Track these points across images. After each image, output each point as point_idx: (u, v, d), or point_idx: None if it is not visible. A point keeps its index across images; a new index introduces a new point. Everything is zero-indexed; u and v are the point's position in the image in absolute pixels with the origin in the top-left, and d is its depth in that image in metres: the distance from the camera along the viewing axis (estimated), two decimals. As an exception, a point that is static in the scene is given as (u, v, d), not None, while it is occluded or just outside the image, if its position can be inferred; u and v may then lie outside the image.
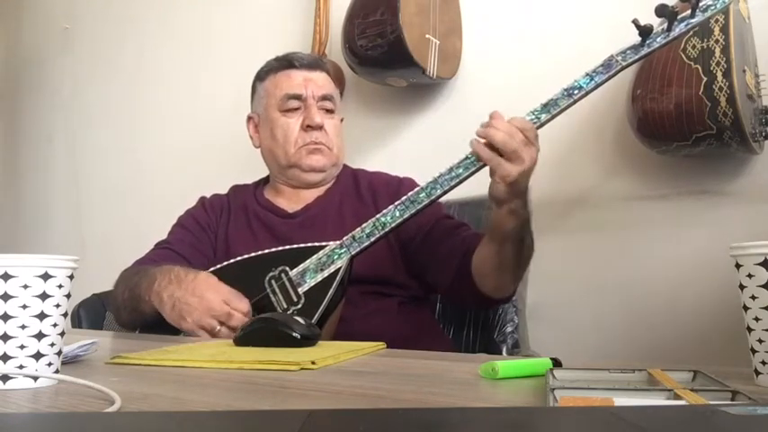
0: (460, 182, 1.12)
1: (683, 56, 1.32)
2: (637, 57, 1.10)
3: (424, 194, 1.14)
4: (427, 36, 1.65)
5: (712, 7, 1.08)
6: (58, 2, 2.88)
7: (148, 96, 2.53)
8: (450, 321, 1.48)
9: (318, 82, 1.40)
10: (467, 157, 1.12)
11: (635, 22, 1.07)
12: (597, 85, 1.09)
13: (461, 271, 1.23)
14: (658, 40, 1.09)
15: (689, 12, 1.08)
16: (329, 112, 1.41)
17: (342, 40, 1.72)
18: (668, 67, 1.33)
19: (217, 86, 2.31)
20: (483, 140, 1.07)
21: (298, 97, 1.38)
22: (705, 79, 1.29)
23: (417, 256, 1.32)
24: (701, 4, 1.07)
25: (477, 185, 1.29)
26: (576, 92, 1.08)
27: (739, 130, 1.28)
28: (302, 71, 1.40)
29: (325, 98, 1.40)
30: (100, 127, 2.67)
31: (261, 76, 1.45)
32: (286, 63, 1.42)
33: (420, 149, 1.84)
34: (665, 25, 1.08)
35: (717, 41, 1.29)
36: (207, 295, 1.12)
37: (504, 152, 1.05)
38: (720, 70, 1.27)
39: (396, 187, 1.39)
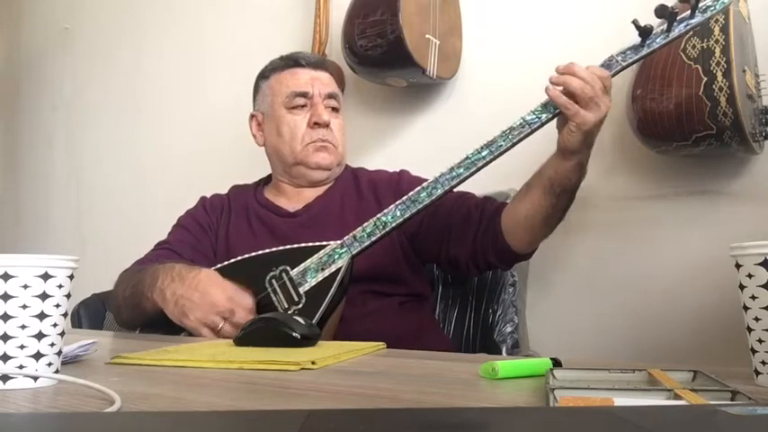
0: (461, 181, 1.13)
1: (683, 56, 1.32)
2: (637, 57, 1.10)
3: (425, 194, 1.14)
4: (427, 36, 1.65)
5: (712, 8, 1.08)
6: (58, 2, 2.88)
7: (148, 96, 2.53)
8: (450, 321, 1.48)
9: (324, 80, 1.41)
10: (467, 157, 1.12)
11: (635, 22, 1.07)
12: None
13: (483, 231, 1.22)
14: (658, 40, 1.09)
15: (688, 12, 1.08)
16: (335, 110, 1.41)
17: (342, 40, 1.72)
18: (668, 67, 1.33)
19: (217, 87, 2.31)
20: (559, 87, 1.07)
21: (304, 95, 1.38)
22: (705, 79, 1.29)
23: (429, 236, 1.31)
24: (700, 5, 1.07)
25: (477, 186, 1.30)
26: None
27: (739, 130, 1.28)
28: (308, 70, 1.41)
29: (330, 96, 1.40)
30: (100, 127, 2.67)
31: (265, 74, 1.45)
32: (291, 62, 1.42)
33: (420, 149, 1.84)
34: (665, 26, 1.08)
35: (717, 41, 1.29)
36: (210, 291, 1.12)
37: (581, 99, 1.05)
38: (720, 70, 1.27)
39: (396, 182, 1.39)
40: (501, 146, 1.10)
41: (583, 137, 1.07)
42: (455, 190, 1.32)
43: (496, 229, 1.21)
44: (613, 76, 1.10)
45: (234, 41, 2.29)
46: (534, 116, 1.10)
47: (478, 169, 1.12)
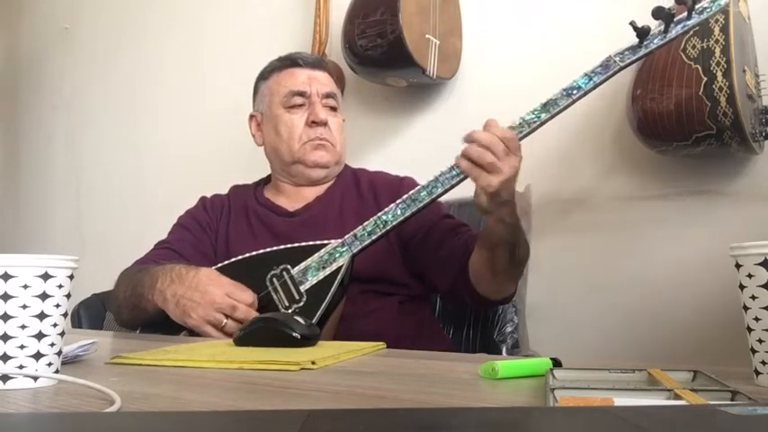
0: (461, 180, 1.13)
1: (683, 56, 1.32)
2: (634, 57, 1.10)
3: (425, 193, 1.14)
4: (427, 36, 1.65)
5: (708, 9, 1.09)
6: (58, 2, 2.88)
7: (148, 96, 2.53)
8: (450, 321, 1.48)
9: (322, 80, 1.41)
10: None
11: (632, 23, 1.07)
12: (596, 86, 1.10)
13: (461, 273, 1.23)
14: (655, 41, 1.10)
15: (685, 14, 1.08)
16: (333, 109, 1.42)
17: (342, 40, 1.72)
18: (668, 67, 1.33)
19: (217, 87, 2.31)
20: (468, 153, 1.08)
21: (302, 94, 1.39)
22: (705, 79, 1.29)
23: (418, 255, 1.32)
24: (697, 7, 1.08)
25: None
26: (575, 92, 1.09)
27: (739, 130, 1.28)
28: (306, 69, 1.41)
29: (328, 96, 1.41)
30: (100, 127, 2.67)
31: (264, 75, 1.46)
32: (289, 62, 1.43)
33: (420, 149, 1.84)
34: (663, 27, 1.08)
35: (717, 41, 1.29)
36: (210, 290, 1.13)
37: (480, 164, 1.05)
38: (720, 70, 1.27)
39: (397, 187, 1.39)
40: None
41: (489, 198, 1.07)
42: (455, 215, 1.35)
43: (468, 274, 1.22)
44: (611, 76, 1.10)
45: (234, 41, 2.29)
46: (534, 116, 1.10)
47: None
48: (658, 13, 1.06)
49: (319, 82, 1.41)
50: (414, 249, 1.33)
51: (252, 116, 1.47)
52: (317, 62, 1.47)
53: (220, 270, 1.21)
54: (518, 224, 1.14)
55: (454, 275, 1.24)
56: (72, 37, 2.78)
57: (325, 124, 1.38)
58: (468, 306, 1.40)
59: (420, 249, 1.31)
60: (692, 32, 1.31)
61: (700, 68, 1.30)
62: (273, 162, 1.45)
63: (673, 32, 1.09)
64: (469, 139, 1.07)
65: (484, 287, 1.22)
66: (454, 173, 1.13)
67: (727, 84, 1.26)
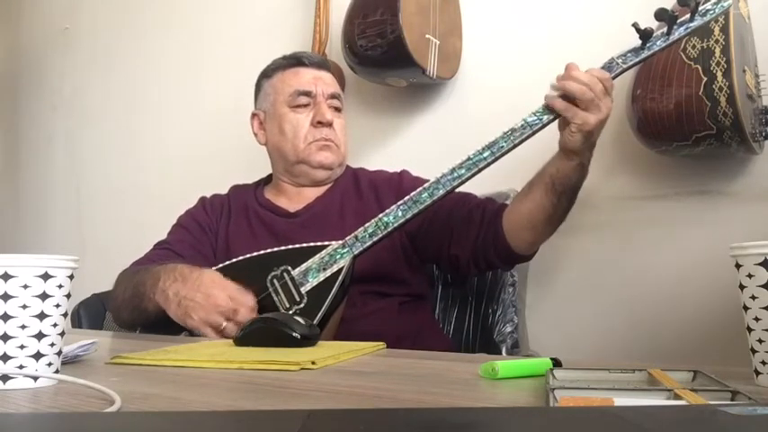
0: (463, 182, 1.13)
1: (683, 56, 1.32)
2: (637, 59, 1.11)
3: (426, 194, 1.14)
4: (427, 36, 1.65)
5: (711, 11, 1.09)
6: (58, 2, 2.87)
7: (148, 96, 2.53)
8: (450, 321, 1.48)
9: (327, 80, 1.42)
10: (468, 158, 1.12)
11: (635, 25, 1.07)
12: None
13: (485, 231, 1.22)
14: (658, 43, 1.10)
15: (688, 16, 1.08)
16: (337, 110, 1.42)
17: (342, 40, 1.72)
18: (668, 67, 1.33)
19: (217, 87, 2.31)
20: (557, 93, 1.08)
21: (307, 94, 1.38)
22: (705, 79, 1.29)
23: (429, 240, 1.31)
24: (700, 9, 1.08)
25: (479, 187, 1.30)
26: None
27: (739, 130, 1.28)
28: (311, 69, 1.41)
29: (333, 96, 1.41)
30: (100, 127, 2.67)
31: (268, 73, 1.45)
32: (294, 61, 1.42)
33: (420, 149, 1.84)
34: (665, 29, 1.08)
35: (717, 41, 1.29)
36: (212, 292, 1.13)
37: (581, 101, 1.06)
38: (720, 70, 1.27)
39: (397, 182, 1.39)
40: (502, 147, 1.11)
41: (584, 138, 1.08)
42: (456, 191, 1.33)
43: (498, 229, 1.21)
44: (614, 78, 1.10)
45: (234, 41, 2.29)
46: (536, 117, 1.11)
47: (480, 170, 1.12)
48: (661, 14, 1.06)
49: (324, 82, 1.41)
50: (424, 233, 1.32)
51: (254, 114, 1.47)
52: (322, 62, 1.47)
53: (220, 271, 1.21)
54: (587, 172, 1.15)
55: (475, 236, 1.24)
56: (72, 37, 2.78)
57: (330, 125, 1.38)
58: (491, 268, 1.34)
59: (431, 229, 1.31)
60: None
61: (700, 68, 1.30)
62: (276, 161, 1.45)
63: (675, 34, 1.09)
64: (567, 77, 1.07)
65: (525, 239, 1.20)
66: (456, 174, 1.12)
67: (727, 84, 1.26)
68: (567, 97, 1.07)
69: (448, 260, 1.31)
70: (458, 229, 1.27)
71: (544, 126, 1.11)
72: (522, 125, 1.11)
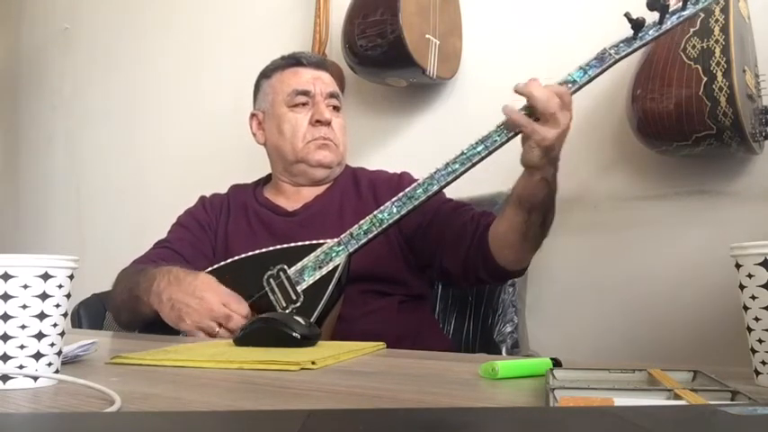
0: (456, 177, 1.12)
1: (683, 56, 1.32)
2: (630, 50, 1.10)
3: (420, 190, 1.14)
4: (427, 36, 1.65)
5: (703, 0, 1.08)
6: (58, 2, 2.87)
7: (148, 96, 2.53)
8: (450, 321, 1.48)
9: (325, 80, 1.42)
10: (462, 153, 1.12)
11: (627, 15, 1.07)
12: (591, 79, 1.10)
13: (475, 247, 1.22)
14: (651, 33, 1.09)
15: (680, 4, 1.08)
16: (336, 109, 1.42)
17: (342, 40, 1.72)
18: (668, 67, 1.33)
19: (217, 87, 2.31)
20: (516, 108, 1.08)
21: (306, 93, 1.39)
22: (705, 79, 1.29)
23: (424, 244, 1.31)
24: (692, -3, 1.08)
25: (479, 186, 1.30)
26: (570, 86, 1.09)
27: (739, 130, 1.28)
28: (310, 69, 1.41)
29: (332, 96, 1.41)
30: (100, 127, 2.67)
31: (267, 73, 1.46)
32: (293, 61, 1.43)
33: (420, 149, 1.83)
34: (657, 18, 1.08)
35: (717, 41, 1.29)
36: (206, 297, 1.13)
37: (540, 115, 1.05)
38: (720, 70, 1.27)
39: (396, 183, 1.39)
40: (496, 141, 1.10)
41: (543, 152, 1.07)
42: (455, 198, 1.33)
43: (485, 246, 1.21)
44: (607, 69, 1.09)
45: (234, 41, 2.29)
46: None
47: (474, 164, 1.11)
48: (653, 4, 1.06)
49: (323, 82, 1.41)
50: (419, 240, 1.32)
51: (253, 114, 1.47)
52: (321, 62, 1.47)
53: (217, 270, 1.21)
54: (556, 189, 1.14)
55: (465, 252, 1.23)
56: (72, 37, 2.78)
57: (328, 124, 1.38)
58: (482, 283, 1.35)
59: (426, 237, 1.31)
60: (691, 32, 1.31)
61: (700, 68, 1.30)
62: (275, 161, 1.45)
63: (668, 23, 1.08)
64: (523, 92, 1.07)
65: (508, 255, 1.20)
66: (450, 169, 1.12)
67: (727, 84, 1.26)
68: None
69: (439, 271, 1.32)
70: (450, 242, 1.26)
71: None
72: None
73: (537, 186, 1.11)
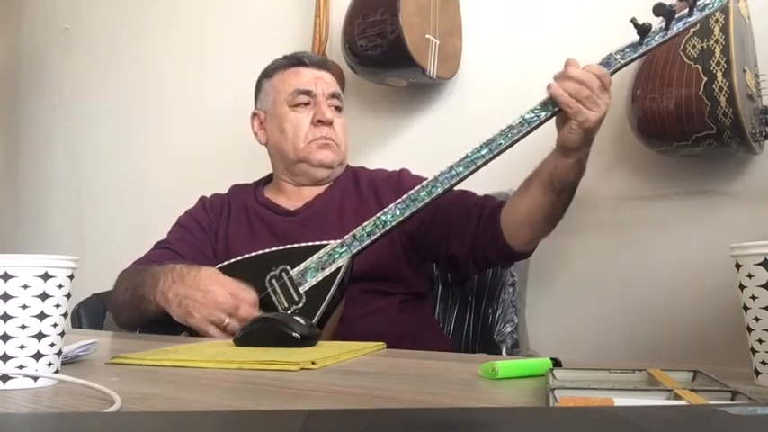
0: (461, 180, 1.13)
1: (683, 56, 1.32)
2: (635, 55, 1.10)
3: (424, 193, 1.14)
4: (427, 36, 1.65)
5: (710, 6, 1.08)
6: (58, 2, 2.87)
7: (148, 96, 2.53)
8: (450, 321, 1.48)
9: (327, 80, 1.42)
10: (466, 156, 1.12)
11: (633, 20, 1.07)
12: None
13: (483, 228, 1.23)
14: (656, 38, 1.09)
15: (687, 10, 1.08)
16: (338, 109, 1.42)
17: (342, 40, 1.72)
18: (668, 67, 1.33)
19: (217, 87, 2.31)
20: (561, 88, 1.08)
21: (308, 93, 1.39)
22: (705, 79, 1.28)
23: (428, 237, 1.31)
24: (698, 3, 1.08)
25: (478, 186, 1.30)
26: None
27: (739, 130, 1.28)
28: (311, 69, 1.42)
29: (333, 96, 1.41)
30: (100, 127, 2.67)
31: (268, 73, 1.46)
32: (295, 61, 1.43)
33: (420, 149, 1.84)
34: (663, 24, 1.08)
35: (717, 41, 1.29)
36: (212, 289, 1.13)
37: (578, 99, 1.06)
38: (720, 70, 1.27)
39: (396, 181, 1.39)
40: (500, 144, 1.11)
41: (583, 135, 1.08)
42: (455, 188, 1.33)
43: (496, 226, 1.21)
44: (612, 74, 1.10)
45: (234, 41, 2.29)
46: (533, 114, 1.10)
47: (478, 168, 1.12)
48: (659, 9, 1.06)
49: (325, 82, 1.41)
50: (422, 234, 1.32)
51: (254, 114, 1.47)
52: (323, 62, 1.48)
53: (219, 270, 1.21)
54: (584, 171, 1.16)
55: (473, 233, 1.24)
56: (72, 37, 2.78)
57: (330, 124, 1.38)
58: (489, 266, 1.34)
59: (429, 231, 1.31)
60: (692, 32, 1.31)
61: (700, 68, 1.30)
62: (277, 161, 1.45)
63: (674, 29, 1.09)
64: (564, 75, 1.07)
65: (524, 236, 1.21)
66: (453, 173, 1.12)
67: (727, 84, 1.26)
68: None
69: (447, 258, 1.31)
70: (456, 227, 1.27)
71: (542, 123, 1.10)
72: (519, 122, 1.11)
73: (572, 168, 1.12)
